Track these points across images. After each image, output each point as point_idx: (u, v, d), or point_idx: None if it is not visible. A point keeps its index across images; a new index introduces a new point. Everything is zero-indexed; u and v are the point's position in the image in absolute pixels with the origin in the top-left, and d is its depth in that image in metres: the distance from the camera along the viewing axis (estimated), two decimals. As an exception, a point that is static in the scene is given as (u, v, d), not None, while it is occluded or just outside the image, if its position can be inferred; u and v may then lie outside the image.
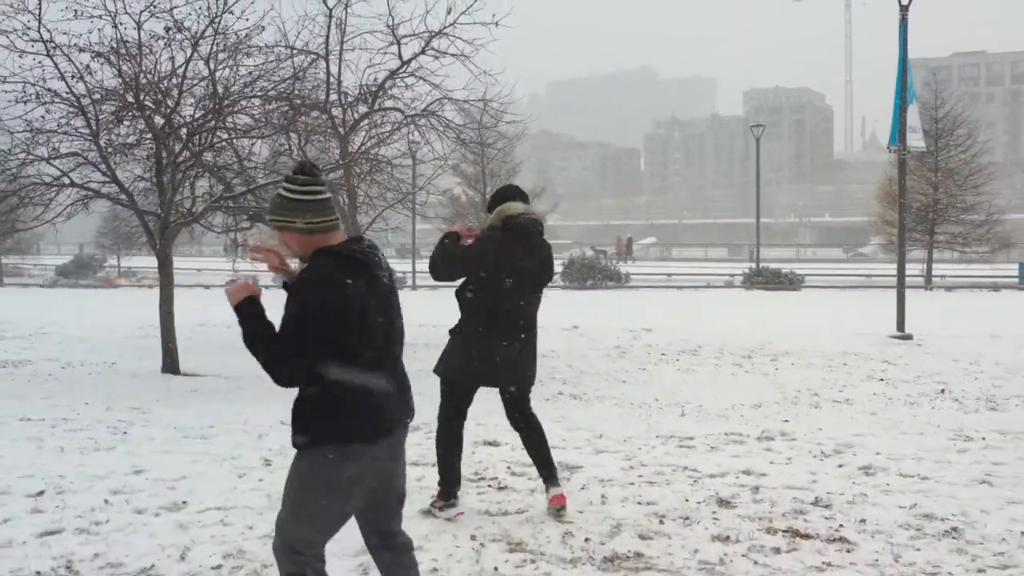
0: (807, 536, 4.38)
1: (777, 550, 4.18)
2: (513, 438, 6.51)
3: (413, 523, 4.55)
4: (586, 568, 3.95)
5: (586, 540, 4.30)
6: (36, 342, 13.87)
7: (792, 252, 62.00)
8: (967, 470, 5.67)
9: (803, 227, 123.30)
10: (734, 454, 6.12)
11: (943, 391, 8.88)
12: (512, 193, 4.93)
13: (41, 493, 5.07)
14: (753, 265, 32.08)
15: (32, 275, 43.49)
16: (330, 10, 12.45)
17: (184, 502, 4.90)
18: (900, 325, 13.61)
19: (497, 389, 4.83)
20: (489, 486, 5.30)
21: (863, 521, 4.60)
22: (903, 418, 7.52)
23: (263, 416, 7.38)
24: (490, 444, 6.43)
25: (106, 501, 4.92)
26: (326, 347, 2.68)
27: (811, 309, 20.40)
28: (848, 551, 4.17)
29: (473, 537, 4.33)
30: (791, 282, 28.48)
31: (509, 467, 5.74)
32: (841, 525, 4.55)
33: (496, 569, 3.92)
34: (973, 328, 14.94)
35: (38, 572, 3.88)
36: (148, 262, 47.19)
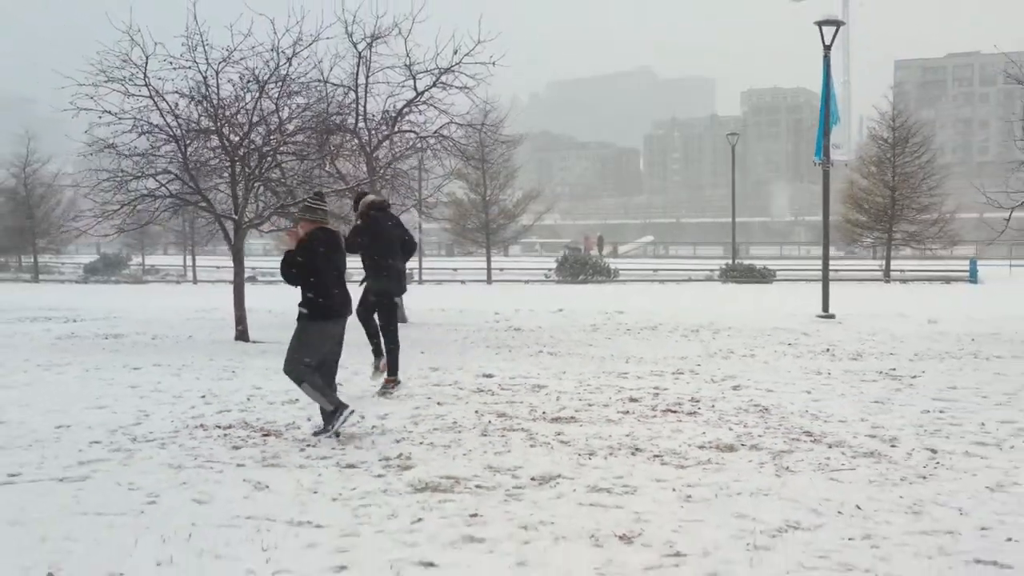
0: (675, 412, 7.34)
1: (654, 417, 7.14)
2: (500, 372, 9.50)
3: (445, 407, 7.54)
4: (540, 423, 6.90)
5: (543, 413, 7.26)
6: (115, 323, 16.78)
7: (783, 250, 64.75)
8: (801, 387, 8.63)
9: (798, 225, 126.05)
10: (652, 380, 9.08)
11: (828, 350, 11.82)
12: (364, 191, 9.23)
13: (203, 396, 8.05)
14: (734, 261, 35.03)
15: (62, 272, 46.40)
16: (359, 52, 15.45)
17: (296, 400, 7.85)
18: (825, 307, 16.59)
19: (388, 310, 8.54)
20: (486, 393, 8.24)
21: (713, 407, 7.56)
22: (784, 364, 10.48)
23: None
24: (487, 376, 9.33)
25: (247, 399, 7.90)
26: (313, 270, 6.19)
27: (770, 297, 23.34)
28: (694, 418, 7.13)
29: (476, 411, 7.30)
30: (763, 276, 31.44)
31: (500, 385, 8.70)
32: (699, 408, 7.51)
33: (489, 423, 6.88)
34: (895, 311, 17.88)
35: (230, 424, 6.83)
36: (169, 260, 50.21)
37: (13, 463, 5.63)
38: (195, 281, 39.55)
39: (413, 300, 18.13)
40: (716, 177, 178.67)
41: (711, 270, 34.33)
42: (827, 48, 16.20)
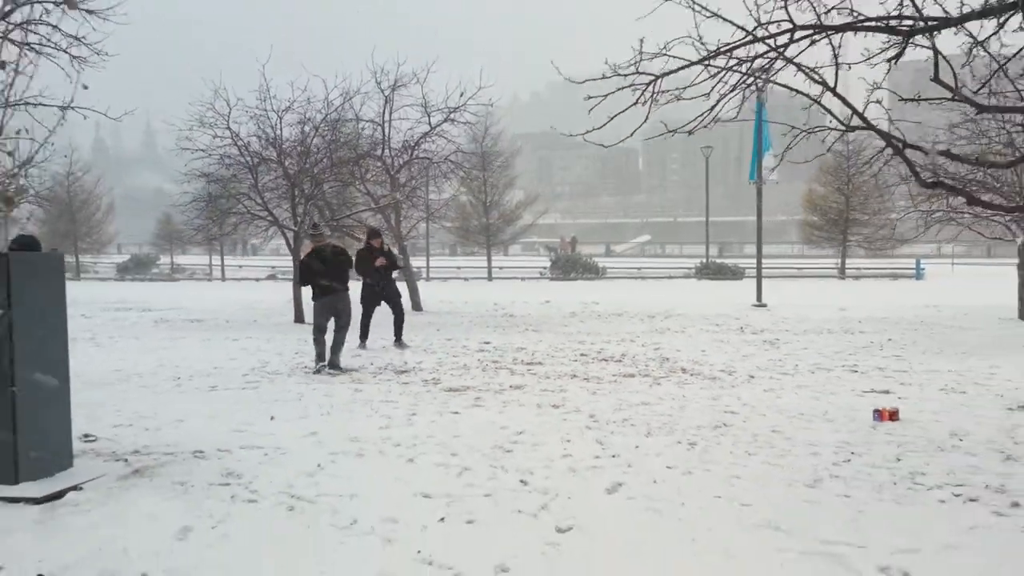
0: (607, 360, 11.32)
1: (591, 363, 11.12)
2: (495, 340, 13.50)
3: (458, 358, 11.55)
4: (519, 365, 10.88)
5: (522, 360, 11.26)
6: (187, 312, 20.72)
7: (766, 249, 68.55)
8: (700, 347, 12.60)
9: (791, 225, 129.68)
10: (601, 345, 13.06)
11: (741, 328, 15.78)
12: (373, 232, 13.26)
13: (297, 353, 12.04)
14: (707, 260, 38.96)
15: (97, 271, 50.37)
16: (386, 96, 19.44)
17: (359, 354, 11.83)
18: (759, 297, 20.58)
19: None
20: (486, 352, 12.22)
21: (633, 358, 11.54)
22: (700, 337, 14.44)
23: (370, 338, 14.30)
24: (486, 343, 13.31)
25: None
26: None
27: (728, 292, 27.27)
28: (618, 363, 11.10)
29: (479, 360, 11.30)
30: (733, 273, 35.37)
31: (495, 347, 12.70)
32: (623, 359, 11.48)
33: (487, 365, 10.86)
34: (823, 302, 21.84)
35: (335, 364, 10.81)
36: (191, 260, 54.05)
37: (208, 383, 9.63)
38: (223, 279, 43.54)
39: (424, 293, 22.12)
40: (713, 177, 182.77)
41: (688, 268, 38.26)
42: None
